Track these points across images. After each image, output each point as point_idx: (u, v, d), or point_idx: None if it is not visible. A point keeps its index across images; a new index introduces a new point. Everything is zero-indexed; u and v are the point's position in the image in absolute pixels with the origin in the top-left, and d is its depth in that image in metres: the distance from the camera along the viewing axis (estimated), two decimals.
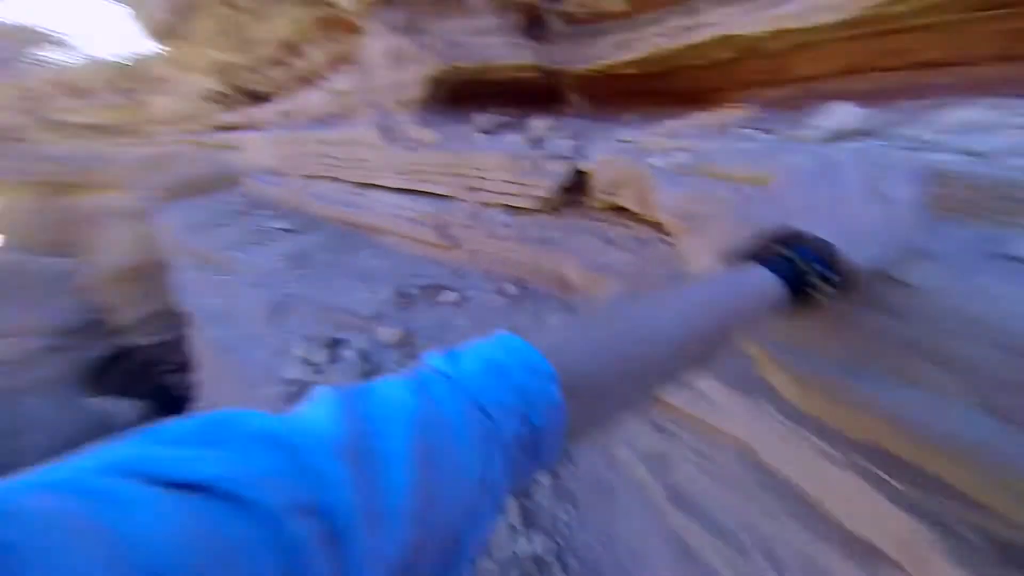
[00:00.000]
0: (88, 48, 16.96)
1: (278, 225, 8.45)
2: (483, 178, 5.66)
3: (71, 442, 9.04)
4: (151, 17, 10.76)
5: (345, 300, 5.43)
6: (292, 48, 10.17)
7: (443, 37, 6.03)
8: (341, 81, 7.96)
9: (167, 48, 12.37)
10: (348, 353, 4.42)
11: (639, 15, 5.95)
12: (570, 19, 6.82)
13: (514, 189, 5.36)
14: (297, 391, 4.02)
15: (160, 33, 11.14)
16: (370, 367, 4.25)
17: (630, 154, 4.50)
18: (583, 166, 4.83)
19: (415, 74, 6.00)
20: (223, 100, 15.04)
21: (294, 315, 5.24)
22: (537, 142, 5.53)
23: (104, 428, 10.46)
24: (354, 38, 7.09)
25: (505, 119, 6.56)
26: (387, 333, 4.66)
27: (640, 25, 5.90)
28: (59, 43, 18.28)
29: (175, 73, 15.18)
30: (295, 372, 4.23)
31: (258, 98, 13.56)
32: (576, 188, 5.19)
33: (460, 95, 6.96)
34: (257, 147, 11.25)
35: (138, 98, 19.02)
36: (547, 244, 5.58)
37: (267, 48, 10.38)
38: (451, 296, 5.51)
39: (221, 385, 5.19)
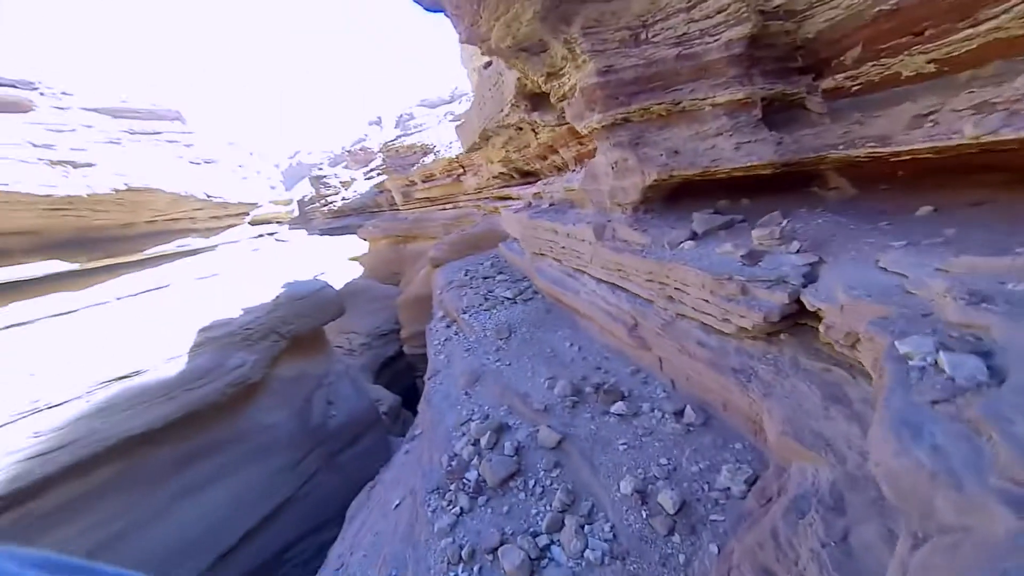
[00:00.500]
0: (442, 151, 25.12)
1: (505, 294, 10.00)
2: (682, 291, 5.17)
3: (354, 416, 13.13)
4: (467, 142, 15.77)
5: (526, 385, 5.87)
6: (551, 149, 12.49)
7: (664, 146, 6.03)
8: (577, 178, 9.00)
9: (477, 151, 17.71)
10: (508, 445, 4.73)
11: (955, 75, 4.32)
12: (837, 94, 5.63)
13: (713, 310, 4.64)
14: (456, 467, 4.57)
15: (471, 148, 16.05)
16: (518, 465, 4.41)
17: (889, 301, 3.17)
18: (811, 303, 3.74)
19: (633, 183, 6.19)
20: (504, 178, 19.67)
21: (483, 387, 6.03)
22: (756, 256, 4.66)
23: (374, 410, 14.73)
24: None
25: (727, 218, 5.85)
26: (546, 435, 4.74)
27: (956, 87, 4.24)
28: (432, 152, 28.06)
29: (480, 162, 20.98)
30: (462, 448, 4.83)
31: (528, 175, 17.17)
32: (805, 311, 4.05)
33: (681, 191, 6.74)
34: (509, 221, 13.80)
35: (458, 178, 26.82)
36: (747, 377, 4.49)
37: (536, 149, 13.04)
38: (622, 408, 5.13)
39: (424, 428, 6.44)
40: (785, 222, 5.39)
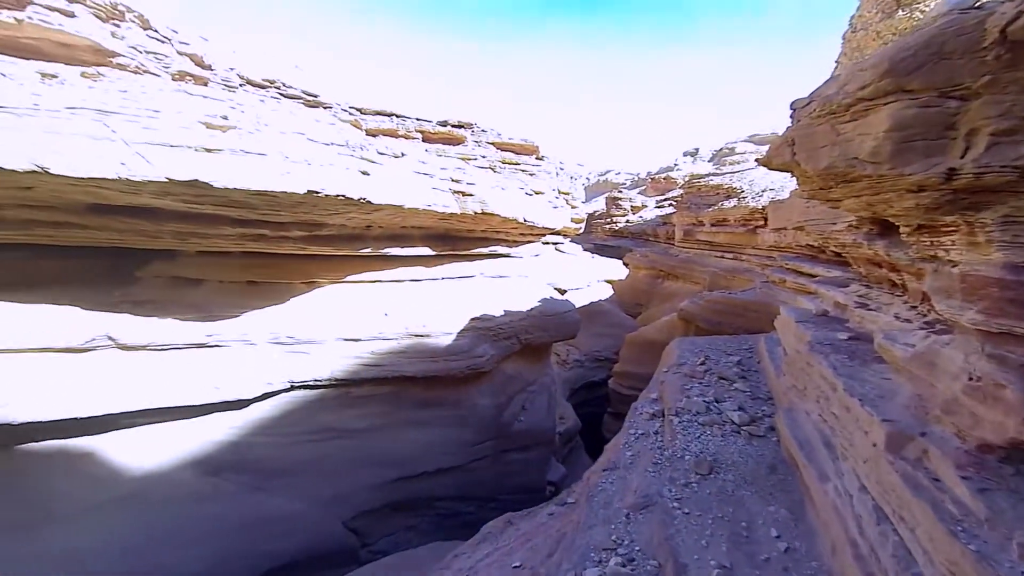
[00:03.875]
0: (748, 199, 22.76)
1: (732, 415, 8.42)
2: None
3: (535, 429, 14.70)
4: (777, 223, 13.58)
5: (690, 555, 4.97)
6: (892, 266, 9.18)
7: None
8: (904, 343, 6.28)
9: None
10: None
11: None
12: None
13: None
14: None
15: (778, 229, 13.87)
16: None
17: None
18: None
19: (998, 422, 3.97)
20: (813, 250, 15.83)
21: (646, 521, 5.44)
22: None
23: (552, 430, 15.89)
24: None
25: None
26: None
27: None
28: (737, 196, 25.44)
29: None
30: None
31: (840, 259, 13.32)
32: None
33: None
34: (783, 327, 11.21)
35: (754, 230, 23.43)
36: None
37: (868, 252, 9.96)
38: None
39: (575, 514, 6.43)
40: None
